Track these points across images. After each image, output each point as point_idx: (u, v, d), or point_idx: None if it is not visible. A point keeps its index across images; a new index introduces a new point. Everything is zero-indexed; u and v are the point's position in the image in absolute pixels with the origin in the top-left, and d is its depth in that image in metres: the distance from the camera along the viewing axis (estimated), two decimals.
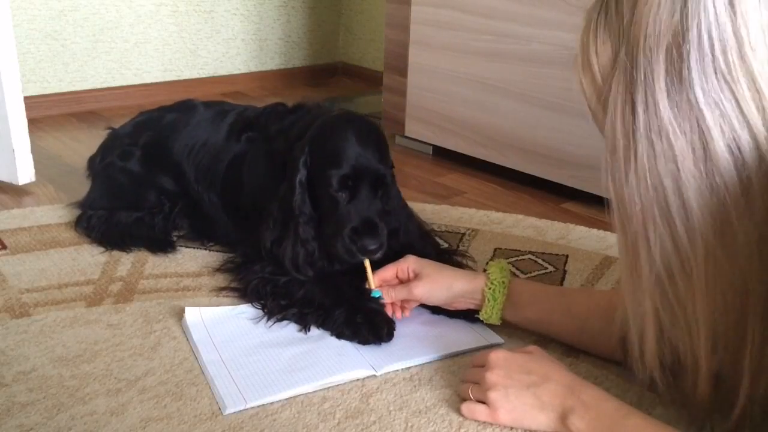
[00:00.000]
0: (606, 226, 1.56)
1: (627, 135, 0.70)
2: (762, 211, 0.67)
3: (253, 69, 2.82)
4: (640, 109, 0.69)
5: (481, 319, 1.11)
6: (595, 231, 1.55)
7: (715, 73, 0.66)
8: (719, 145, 0.66)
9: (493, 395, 0.90)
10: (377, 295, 1.12)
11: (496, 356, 0.92)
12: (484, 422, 0.91)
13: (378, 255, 1.14)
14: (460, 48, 1.89)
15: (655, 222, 0.70)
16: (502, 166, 1.88)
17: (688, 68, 0.66)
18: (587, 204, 1.71)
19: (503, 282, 1.09)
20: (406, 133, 2.10)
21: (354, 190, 1.14)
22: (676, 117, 0.67)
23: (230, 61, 2.75)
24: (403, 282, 1.14)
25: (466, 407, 0.93)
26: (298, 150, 1.19)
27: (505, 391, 0.89)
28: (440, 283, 1.11)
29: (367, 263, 1.14)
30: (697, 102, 0.66)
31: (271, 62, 2.87)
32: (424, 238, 1.31)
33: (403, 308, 1.16)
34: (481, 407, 0.91)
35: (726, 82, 0.66)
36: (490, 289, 1.08)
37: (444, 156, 2.02)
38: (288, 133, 1.28)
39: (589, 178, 1.69)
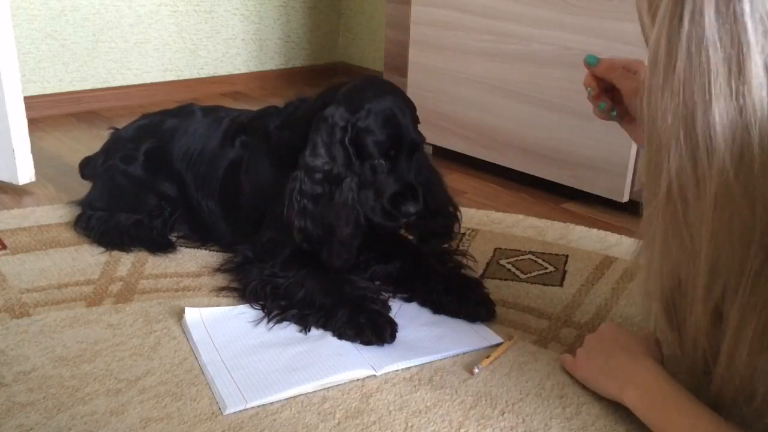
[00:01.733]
0: (606, 226, 1.57)
1: (670, 47, 0.70)
2: None
3: (253, 69, 2.82)
4: (686, 20, 0.68)
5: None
6: (595, 231, 1.54)
7: None
8: (756, 64, 0.66)
9: (580, 352, 1.00)
10: (593, 61, 1.03)
11: (607, 325, 1.01)
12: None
13: (414, 217, 1.18)
14: (460, 48, 1.89)
15: (679, 139, 0.70)
16: (502, 166, 1.88)
17: None
18: (587, 204, 1.71)
19: None
20: None
21: (394, 159, 1.17)
22: (719, 30, 0.67)
23: (230, 61, 2.75)
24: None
25: (563, 355, 1.05)
26: (338, 114, 1.16)
27: (589, 351, 0.99)
28: None
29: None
30: (742, 15, 0.66)
31: (271, 62, 2.87)
32: (449, 203, 1.32)
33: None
34: (569, 358, 1.03)
35: None
36: None
37: (444, 156, 2.02)
38: (291, 122, 1.28)
39: (589, 178, 1.69)
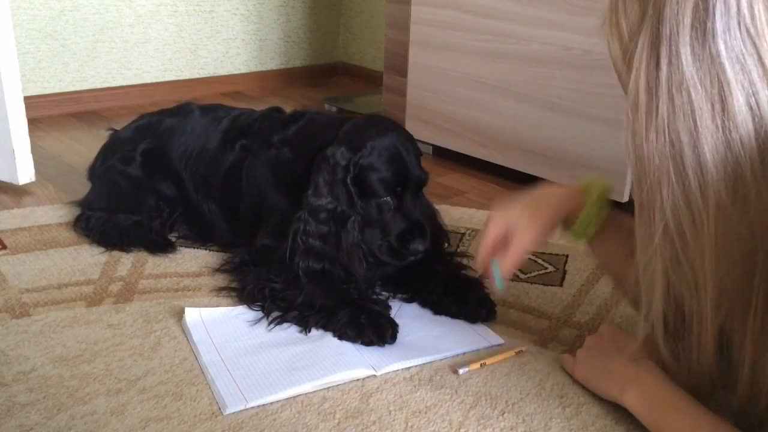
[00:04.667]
0: None
1: (649, 91, 0.71)
2: None
3: (253, 69, 2.82)
4: (663, 64, 0.69)
5: (573, 232, 1.02)
6: None
7: (739, 27, 0.66)
8: (738, 101, 0.67)
9: (580, 353, 1.00)
10: (501, 287, 1.03)
11: (606, 327, 1.03)
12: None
13: (421, 255, 1.16)
14: (460, 48, 1.89)
15: (670, 178, 0.71)
16: (502, 166, 1.88)
17: (713, 21, 0.67)
18: None
19: (609, 189, 1.02)
20: None
21: (401, 196, 1.16)
22: (697, 71, 0.68)
23: (230, 61, 2.75)
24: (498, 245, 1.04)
25: (563, 356, 1.05)
26: (339, 154, 1.15)
27: (589, 353, 0.99)
28: (540, 214, 1.01)
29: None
30: (719, 56, 0.67)
31: (271, 62, 2.87)
32: (439, 244, 1.30)
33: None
34: (569, 358, 1.03)
35: (749, 36, 0.66)
36: (597, 190, 1.01)
37: (444, 156, 2.02)
38: (295, 143, 1.28)
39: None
